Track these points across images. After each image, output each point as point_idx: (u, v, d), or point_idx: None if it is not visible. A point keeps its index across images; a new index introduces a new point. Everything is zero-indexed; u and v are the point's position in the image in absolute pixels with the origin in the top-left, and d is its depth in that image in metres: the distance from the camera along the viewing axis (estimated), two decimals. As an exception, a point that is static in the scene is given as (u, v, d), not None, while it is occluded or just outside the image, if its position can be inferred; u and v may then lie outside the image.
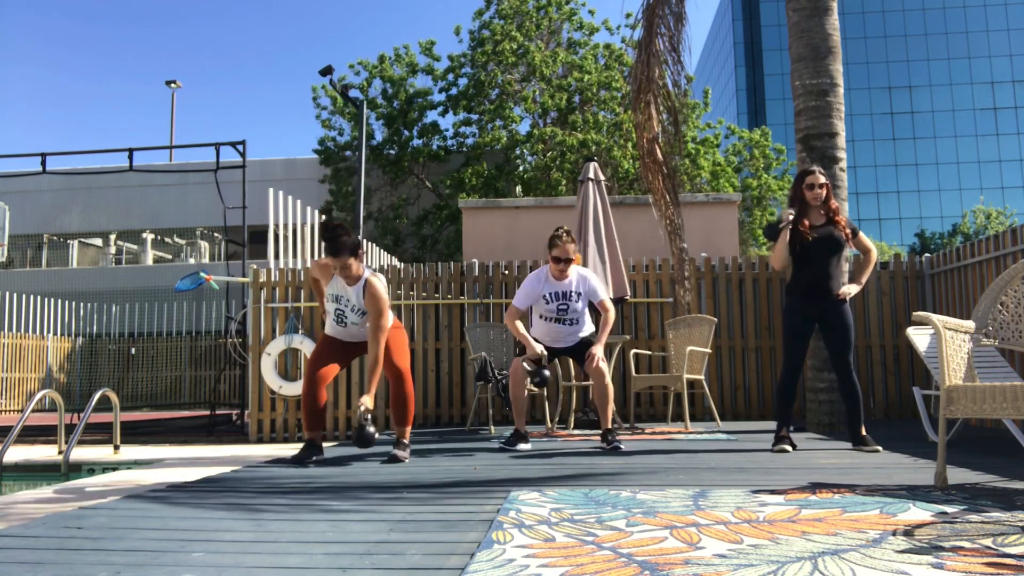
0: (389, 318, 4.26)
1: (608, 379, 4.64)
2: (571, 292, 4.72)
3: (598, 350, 4.62)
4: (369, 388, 4.10)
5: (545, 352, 4.69)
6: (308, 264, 8.41)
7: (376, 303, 4.18)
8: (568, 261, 4.69)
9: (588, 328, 4.87)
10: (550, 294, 4.72)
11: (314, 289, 4.57)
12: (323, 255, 4.30)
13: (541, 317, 4.78)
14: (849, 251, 4.74)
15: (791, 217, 4.35)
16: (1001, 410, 2.79)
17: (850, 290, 4.36)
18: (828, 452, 4.29)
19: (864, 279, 4.48)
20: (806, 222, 4.36)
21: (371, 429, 4.10)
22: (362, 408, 4.09)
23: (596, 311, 4.90)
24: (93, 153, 26.53)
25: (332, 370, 4.36)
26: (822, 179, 4.40)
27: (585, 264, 6.18)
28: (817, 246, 4.32)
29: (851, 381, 4.31)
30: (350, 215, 17.10)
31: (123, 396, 14.72)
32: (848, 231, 4.39)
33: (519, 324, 4.70)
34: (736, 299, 7.36)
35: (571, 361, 6.43)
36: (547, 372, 4.73)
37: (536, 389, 4.84)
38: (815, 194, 4.37)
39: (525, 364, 4.60)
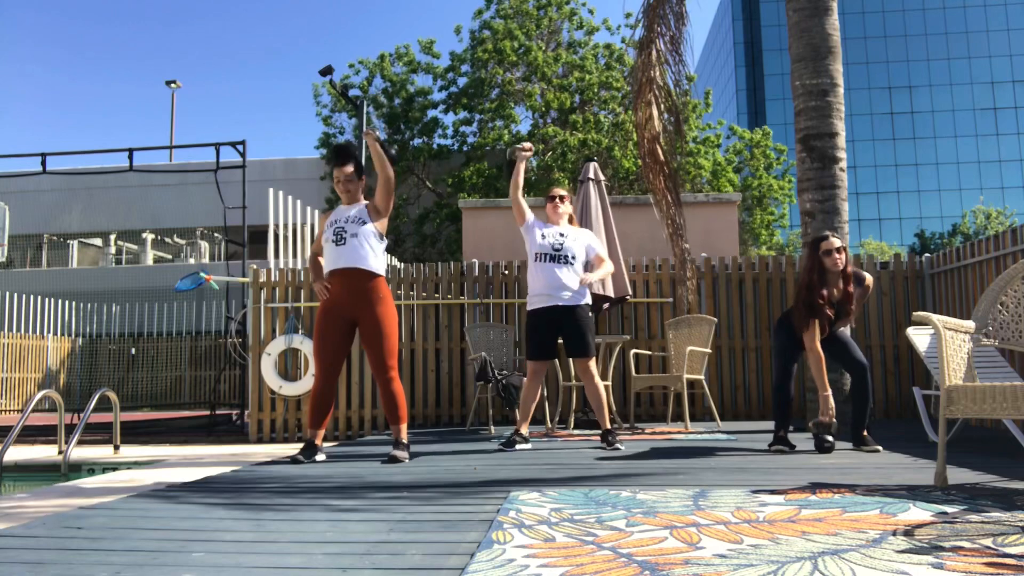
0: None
1: (597, 380, 4.63)
2: (567, 232, 4.77)
3: (588, 276, 4.66)
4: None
5: (531, 147, 4.73)
6: (308, 265, 8.41)
7: (382, 195, 4.36)
8: (561, 197, 4.83)
9: (585, 295, 4.76)
10: (547, 230, 4.76)
11: (311, 267, 4.53)
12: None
13: (537, 259, 4.70)
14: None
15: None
16: (1001, 410, 2.79)
17: (843, 328, 4.47)
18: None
19: (857, 310, 4.47)
20: (824, 293, 4.22)
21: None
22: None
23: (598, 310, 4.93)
24: (93, 153, 26.47)
25: (340, 358, 4.29)
26: (837, 242, 4.25)
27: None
28: (832, 319, 4.32)
29: (865, 382, 4.33)
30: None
31: (123, 396, 14.72)
32: (852, 288, 4.30)
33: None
34: (736, 299, 7.36)
35: (571, 361, 6.44)
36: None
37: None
38: (834, 260, 4.22)
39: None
